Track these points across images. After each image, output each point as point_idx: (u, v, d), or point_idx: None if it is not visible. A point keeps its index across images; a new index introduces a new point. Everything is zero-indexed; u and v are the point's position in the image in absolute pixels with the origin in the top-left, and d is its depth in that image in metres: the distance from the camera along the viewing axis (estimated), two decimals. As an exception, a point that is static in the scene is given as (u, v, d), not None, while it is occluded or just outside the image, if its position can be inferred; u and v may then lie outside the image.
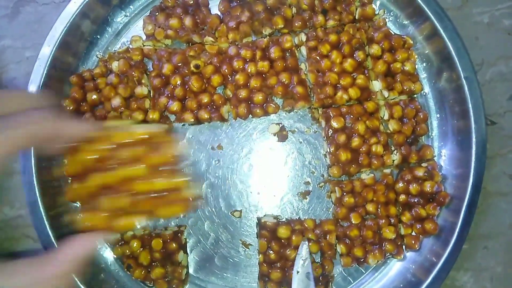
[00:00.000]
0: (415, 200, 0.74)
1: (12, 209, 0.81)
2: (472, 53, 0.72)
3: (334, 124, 0.73)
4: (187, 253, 0.77)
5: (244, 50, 0.74)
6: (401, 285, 0.74)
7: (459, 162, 0.74)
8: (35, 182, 0.70)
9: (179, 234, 0.74)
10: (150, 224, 0.77)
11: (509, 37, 0.82)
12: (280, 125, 0.78)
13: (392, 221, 0.74)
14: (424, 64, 0.78)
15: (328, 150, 0.74)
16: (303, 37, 0.76)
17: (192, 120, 0.74)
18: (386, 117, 0.75)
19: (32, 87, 0.72)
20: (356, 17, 0.77)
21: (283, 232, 0.72)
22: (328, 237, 0.73)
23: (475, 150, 0.71)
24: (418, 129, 0.76)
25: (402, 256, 0.75)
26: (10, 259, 0.47)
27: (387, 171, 0.75)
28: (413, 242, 0.74)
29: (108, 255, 0.77)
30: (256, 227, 0.77)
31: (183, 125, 0.78)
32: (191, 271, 0.77)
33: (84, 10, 0.73)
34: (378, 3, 0.79)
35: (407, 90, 0.75)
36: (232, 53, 0.74)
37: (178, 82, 0.73)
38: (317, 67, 0.74)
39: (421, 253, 0.75)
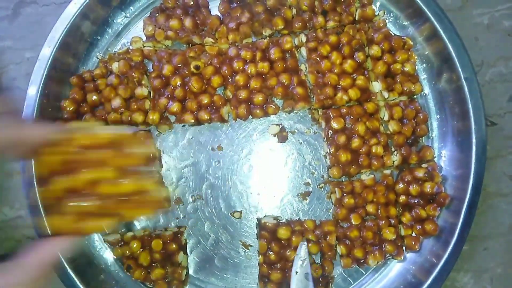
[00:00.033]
0: (415, 201, 0.74)
1: (12, 210, 0.81)
2: (472, 54, 0.72)
3: (334, 125, 0.73)
4: (187, 254, 0.77)
5: (244, 51, 0.74)
6: (401, 286, 0.74)
7: (459, 163, 0.74)
8: (35, 183, 0.70)
9: (179, 235, 0.74)
10: (150, 225, 0.78)
11: (509, 38, 0.83)
12: (280, 126, 0.78)
13: (392, 222, 0.74)
14: (424, 65, 0.78)
15: (328, 151, 0.74)
16: (303, 38, 0.76)
17: (192, 121, 0.74)
18: (386, 118, 0.75)
19: (32, 88, 0.72)
20: (356, 18, 0.77)
21: (283, 233, 0.72)
22: (328, 238, 0.73)
23: (475, 151, 0.71)
24: (418, 130, 0.76)
25: (402, 257, 0.75)
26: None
27: (387, 172, 0.75)
28: (413, 243, 0.74)
29: (108, 255, 0.77)
30: (256, 228, 0.77)
31: (183, 126, 0.78)
32: (191, 272, 0.77)
33: (84, 11, 0.73)
34: (378, 4, 0.79)
35: (407, 91, 0.75)
36: (232, 54, 0.74)
37: (178, 83, 0.74)
38: (317, 68, 0.74)
39: (421, 254, 0.75)
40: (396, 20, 0.79)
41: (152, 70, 0.76)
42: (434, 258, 0.72)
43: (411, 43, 0.76)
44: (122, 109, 0.74)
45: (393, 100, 0.76)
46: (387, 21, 0.78)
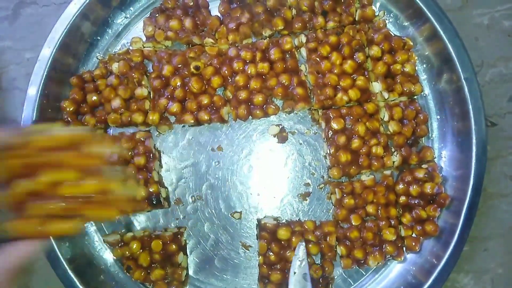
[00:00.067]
0: (416, 202, 0.74)
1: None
2: (472, 54, 0.72)
3: (334, 125, 0.73)
4: (187, 255, 0.77)
5: (244, 51, 0.74)
6: (402, 287, 0.74)
7: (460, 163, 0.74)
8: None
9: (179, 236, 0.74)
10: (150, 225, 0.78)
11: (509, 38, 0.82)
12: (280, 127, 0.78)
13: (393, 222, 0.74)
14: (424, 66, 0.78)
15: (328, 152, 0.74)
16: (303, 38, 0.76)
17: (192, 121, 0.74)
18: (386, 118, 0.75)
19: (32, 89, 0.72)
20: (356, 19, 0.77)
21: (283, 233, 0.72)
22: (328, 239, 0.73)
23: (475, 151, 0.71)
24: (418, 130, 0.76)
25: (402, 258, 0.75)
26: None
27: (387, 172, 0.75)
28: (413, 243, 0.74)
29: (108, 256, 0.77)
30: (256, 228, 0.77)
31: (183, 126, 0.78)
32: (190, 272, 0.77)
33: (84, 12, 0.73)
34: (378, 4, 0.79)
35: (407, 91, 0.75)
36: (232, 54, 0.74)
37: (178, 84, 0.73)
38: (317, 69, 0.74)
39: (421, 255, 0.75)
40: (396, 21, 0.79)
41: (152, 70, 0.76)
42: (434, 259, 0.72)
43: (411, 43, 0.76)
44: (122, 109, 0.74)
45: (393, 100, 0.76)
46: (387, 21, 0.78)
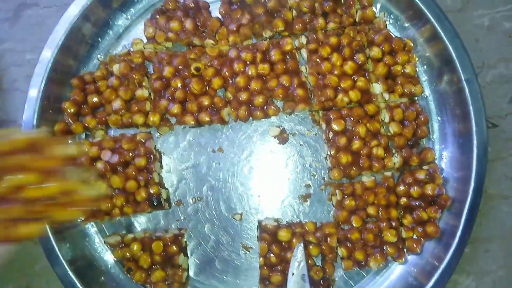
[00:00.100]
0: (416, 203, 0.74)
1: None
2: (472, 55, 0.72)
3: (335, 126, 0.73)
4: (188, 256, 0.76)
5: (244, 52, 0.74)
6: (403, 289, 0.74)
7: (460, 164, 0.74)
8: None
9: (180, 237, 0.74)
10: (150, 227, 0.77)
11: (509, 39, 0.82)
12: (281, 128, 0.78)
13: (393, 224, 0.74)
14: (425, 67, 0.78)
15: (329, 153, 0.74)
16: (303, 39, 0.76)
17: (193, 122, 0.74)
18: (386, 119, 0.75)
19: (33, 90, 0.72)
20: (357, 20, 0.77)
21: (283, 235, 0.72)
22: (329, 240, 0.73)
23: (476, 152, 0.71)
24: (419, 131, 0.76)
25: (403, 260, 0.74)
26: None
27: (388, 173, 0.75)
28: (414, 245, 0.74)
29: (109, 257, 0.77)
30: (257, 230, 0.77)
31: (184, 127, 0.78)
32: (191, 274, 0.77)
33: (85, 13, 0.73)
34: (378, 5, 0.79)
35: (408, 92, 0.75)
36: (233, 55, 0.74)
37: (179, 85, 0.74)
38: (317, 70, 0.74)
39: (422, 256, 0.74)
40: (397, 22, 0.79)
41: (152, 71, 0.76)
42: (435, 261, 0.72)
43: (412, 44, 0.76)
44: (123, 110, 0.74)
45: (394, 101, 0.76)
46: (387, 22, 0.78)
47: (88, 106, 0.75)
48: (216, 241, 0.77)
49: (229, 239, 0.77)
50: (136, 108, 0.74)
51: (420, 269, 0.74)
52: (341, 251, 0.73)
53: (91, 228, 0.78)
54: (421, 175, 0.73)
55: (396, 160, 0.75)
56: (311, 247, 0.73)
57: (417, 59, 0.77)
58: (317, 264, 0.74)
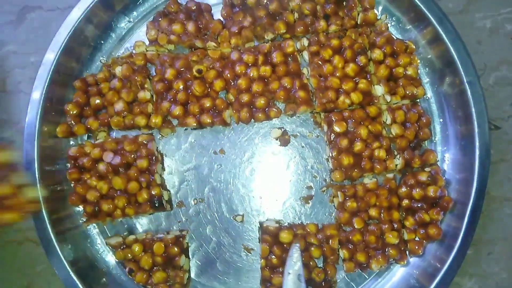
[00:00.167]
0: (419, 205, 0.74)
1: (15, 213, 0.81)
2: (475, 57, 0.72)
3: (337, 128, 0.73)
4: (189, 258, 0.77)
5: (246, 55, 0.74)
6: (405, 291, 0.74)
7: (463, 166, 0.73)
8: (38, 186, 0.71)
9: (181, 238, 0.74)
10: (152, 228, 0.78)
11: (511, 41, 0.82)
12: (282, 130, 0.78)
13: (395, 226, 0.74)
14: (427, 69, 0.78)
15: (331, 155, 0.74)
16: (305, 42, 0.76)
17: (195, 124, 0.74)
18: (388, 121, 0.75)
19: (36, 92, 0.72)
20: (358, 22, 0.77)
21: (285, 236, 0.72)
22: (330, 242, 0.73)
23: (478, 154, 0.70)
24: (421, 133, 0.76)
25: (405, 262, 0.74)
26: None
27: (390, 175, 0.75)
28: (416, 247, 0.74)
29: (110, 259, 0.77)
30: (258, 231, 0.77)
31: (186, 129, 0.78)
32: (192, 275, 0.77)
33: (88, 16, 0.74)
34: (380, 8, 0.79)
35: (410, 94, 0.75)
36: (235, 58, 0.75)
37: (181, 87, 0.74)
38: (319, 72, 0.74)
39: (424, 258, 0.74)
40: (398, 24, 0.79)
41: (154, 74, 0.76)
42: (437, 263, 0.71)
43: (413, 46, 0.76)
44: (125, 112, 0.74)
45: (396, 103, 0.76)
46: (389, 24, 0.78)
47: (91, 108, 0.76)
48: (218, 242, 0.77)
49: (231, 240, 0.77)
50: (138, 110, 0.75)
51: (422, 271, 0.73)
52: (343, 253, 0.73)
53: (93, 229, 0.78)
54: (423, 177, 0.73)
55: (398, 162, 0.74)
56: (312, 248, 0.72)
57: (419, 61, 0.77)
58: (319, 266, 0.73)
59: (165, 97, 0.75)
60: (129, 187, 0.72)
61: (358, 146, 0.73)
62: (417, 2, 0.73)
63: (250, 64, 0.74)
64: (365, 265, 0.73)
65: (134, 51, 0.78)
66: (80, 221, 0.76)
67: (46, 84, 0.72)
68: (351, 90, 0.73)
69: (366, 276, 0.77)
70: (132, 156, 0.73)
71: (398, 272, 0.76)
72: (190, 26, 0.75)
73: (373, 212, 0.73)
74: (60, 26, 0.73)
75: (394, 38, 0.77)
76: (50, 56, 0.73)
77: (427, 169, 0.75)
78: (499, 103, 0.81)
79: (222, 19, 0.77)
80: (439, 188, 0.73)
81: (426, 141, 0.77)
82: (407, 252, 0.75)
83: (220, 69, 0.75)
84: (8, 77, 0.83)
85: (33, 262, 0.80)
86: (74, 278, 0.70)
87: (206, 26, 0.76)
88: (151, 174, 0.73)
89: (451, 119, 0.76)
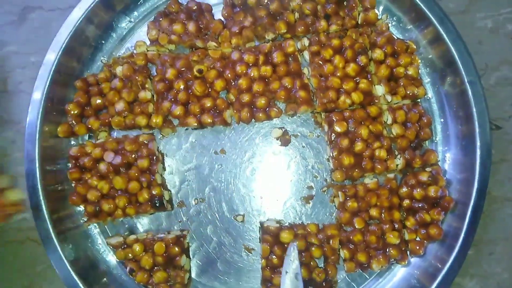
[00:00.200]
0: (419, 205, 0.74)
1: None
2: (476, 57, 0.72)
3: (337, 128, 0.73)
4: (190, 257, 0.77)
5: (247, 55, 0.74)
6: (406, 291, 0.74)
7: (464, 166, 0.73)
8: (39, 186, 0.71)
9: (182, 238, 0.74)
10: (153, 228, 0.78)
11: (513, 41, 0.82)
12: (283, 130, 0.78)
13: (396, 226, 0.74)
14: (428, 69, 0.78)
15: (331, 155, 0.74)
16: (305, 42, 0.76)
17: (195, 124, 0.74)
18: (389, 121, 0.75)
19: (37, 92, 0.72)
20: (359, 22, 0.77)
21: (285, 236, 0.72)
22: (331, 242, 0.73)
23: (479, 154, 0.70)
24: (422, 133, 0.75)
25: (406, 262, 0.74)
26: None
27: (391, 175, 0.75)
28: (417, 247, 0.73)
29: (111, 258, 0.77)
30: (259, 231, 0.77)
31: (186, 129, 0.78)
32: (193, 275, 0.77)
33: (89, 16, 0.74)
34: (381, 8, 0.79)
35: (411, 94, 0.75)
36: (235, 58, 0.75)
37: (182, 87, 0.74)
38: (319, 72, 0.74)
39: (425, 258, 0.74)
40: (399, 24, 0.79)
41: (155, 73, 0.76)
42: (438, 263, 0.71)
43: (414, 46, 0.76)
44: (126, 112, 0.74)
45: (397, 103, 0.76)
46: (390, 24, 0.78)
47: (92, 108, 0.76)
48: (218, 242, 0.77)
49: (231, 240, 0.77)
50: (139, 109, 0.75)
51: (423, 272, 0.73)
52: (344, 253, 0.73)
53: (94, 229, 0.78)
54: (424, 177, 0.73)
55: (399, 162, 0.74)
56: (313, 248, 0.72)
57: (419, 61, 0.77)
58: (320, 266, 0.73)
59: (166, 97, 0.75)
60: (130, 187, 0.72)
61: (359, 146, 0.73)
62: (418, 2, 0.73)
63: (250, 64, 0.74)
64: (366, 265, 0.73)
65: (135, 51, 0.78)
66: (81, 221, 0.76)
67: (47, 84, 0.72)
68: (351, 90, 0.73)
69: (367, 276, 0.77)
70: (133, 156, 0.73)
71: (399, 272, 0.76)
72: (191, 26, 0.75)
73: (374, 212, 0.73)
74: (61, 26, 0.73)
75: (395, 38, 0.77)
76: (51, 56, 0.73)
77: (428, 169, 0.75)
78: (500, 103, 0.81)
79: (222, 19, 0.77)
80: (440, 188, 0.73)
81: (427, 141, 0.77)
82: (408, 252, 0.75)
83: (221, 69, 0.75)
84: (9, 77, 0.84)
85: (34, 261, 0.81)
86: (75, 277, 0.70)
87: (207, 26, 0.76)
88: (152, 174, 0.73)
89: (452, 119, 0.76)
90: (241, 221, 0.77)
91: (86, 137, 0.78)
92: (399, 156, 0.75)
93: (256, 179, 0.78)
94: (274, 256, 0.72)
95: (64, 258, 0.70)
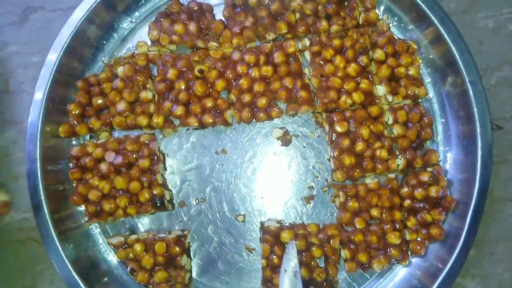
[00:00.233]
0: (421, 205, 0.74)
1: (18, 212, 0.81)
2: (477, 57, 0.72)
3: (338, 128, 0.73)
4: (191, 257, 0.77)
5: (248, 55, 0.74)
6: (407, 292, 0.74)
7: (465, 167, 0.73)
8: (40, 186, 0.71)
9: (183, 238, 0.74)
10: (154, 228, 0.78)
11: (514, 41, 0.82)
12: (284, 130, 0.78)
13: (397, 226, 0.73)
14: (429, 69, 0.78)
15: (332, 155, 0.74)
16: (306, 42, 0.76)
17: (196, 124, 0.74)
18: (390, 121, 0.75)
19: (39, 92, 0.72)
20: (360, 22, 0.77)
21: (286, 236, 0.72)
22: (331, 242, 0.72)
23: (480, 154, 0.70)
24: (423, 133, 0.75)
25: (407, 262, 0.74)
26: None
27: (392, 175, 0.75)
28: (418, 247, 0.73)
29: (112, 258, 0.77)
30: (260, 231, 0.77)
31: (187, 129, 0.78)
32: (194, 275, 0.77)
33: (90, 16, 0.74)
34: (382, 8, 0.79)
35: (412, 94, 0.75)
36: (236, 58, 0.75)
37: (183, 87, 0.74)
38: (320, 72, 0.74)
39: (426, 259, 0.74)
40: (400, 24, 0.79)
41: (156, 74, 0.76)
42: (439, 263, 0.71)
43: (415, 46, 0.76)
44: (127, 112, 0.74)
45: (398, 103, 0.76)
46: (391, 24, 0.78)
47: (93, 108, 0.76)
48: (219, 242, 0.77)
49: (232, 240, 0.77)
50: (140, 110, 0.75)
51: (424, 272, 0.73)
52: (344, 253, 0.73)
53: (95, 229, 0.78)
54: (425, 177, 0.73)
55: (400, 162, 0.74)
56: (313, 248, 0.72)
57: (420, 61, 0.77)
58: (320, 266, 0.73)
59: (167, 97, 0.75)
60: (131, 186, 0.73)
61: (359, 146, 0.73)
62: (419, 2, 0.73)
63: (251, 64, 0.74)
64: (367, 265, 0.73)
65: (136, 51, 0.78)
66: (82, 221, 0.76)
67: (49, 84, 0.73)
68: (352, 90, 0.73)
69: (368, 277, 0.77)
70: (134, 156, 0.74)
71: (400, 272, 0.76)
72: (192, 27, 0.76)
73: (374, 212, 0.73)
74: (63, 27, 0.73)
75: (396, 38, 0.77)
76: (53, 57, 0.73)
77: (429, 169, 0.75)
78: (501, 103, 0.81)
79: (223, 19, 0.78)
80: (441, 188, 0.73)
81: (428, 141, 0.77)
82: (409, 253, 0.75)
83: (222, 69, 0.75)
84: (10, 77, 0.84)
85: (35, 261, 0.81)
86: (76, 277, 0.70)
87: (208, 26, 0.76)
88: (153, 174, 0.74)
89: (453, 119, 0.76)
90: (242, 221, 0.77)
91: (87, 137, 0.79)
92: (400, 156, 0.75)
93: (257, 179, 0.78)
94: (274, 256, 0.72)
95: (65, 258, 0.70)
